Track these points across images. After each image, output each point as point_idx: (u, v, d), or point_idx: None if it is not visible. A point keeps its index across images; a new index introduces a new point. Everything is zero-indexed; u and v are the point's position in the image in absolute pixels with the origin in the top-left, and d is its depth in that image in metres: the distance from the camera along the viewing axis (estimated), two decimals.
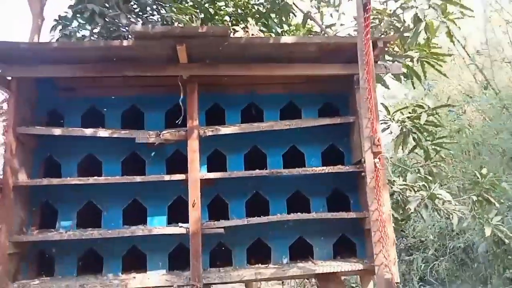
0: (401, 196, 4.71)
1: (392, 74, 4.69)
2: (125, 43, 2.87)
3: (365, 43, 2.16)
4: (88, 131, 3.03)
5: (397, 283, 2.11)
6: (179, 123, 3.08)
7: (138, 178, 3.02)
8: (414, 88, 5.12)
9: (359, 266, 2.93)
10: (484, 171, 5.31)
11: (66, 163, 3.21)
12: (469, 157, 12.67)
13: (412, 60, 4.73)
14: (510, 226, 8.56)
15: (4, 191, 2.83)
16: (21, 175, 3.00)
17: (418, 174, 5.10)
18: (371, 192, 2.05)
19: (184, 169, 3.08)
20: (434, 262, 13.88)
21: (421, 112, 4.88)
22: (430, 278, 13.67)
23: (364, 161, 2.09)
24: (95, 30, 4.65)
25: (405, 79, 4.85)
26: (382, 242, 1.99)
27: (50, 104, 3.32)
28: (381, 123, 4.74)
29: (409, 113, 5.12)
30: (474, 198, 4.91)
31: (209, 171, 3.24)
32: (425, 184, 4.66)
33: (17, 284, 2.81)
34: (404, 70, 4.39)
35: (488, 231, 4.97)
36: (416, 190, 4.75)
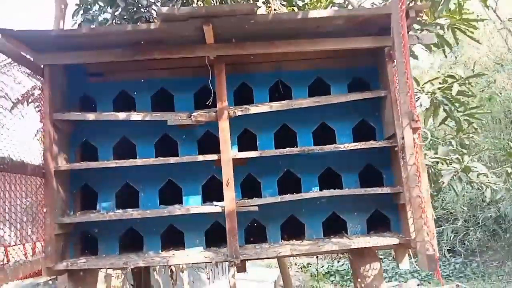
0: (432, 169, 4.64)
1: (422, 44, 4.54)
2: (152, 26, 2.87)
3: (401, 14, 2.08)
4: (121, 115, 3.10)
5: (438, 256, 2.10)
6: (210, 104, 3.10)
7: (172, 160, 3.08)
8: (446, 57, 4.94)
9: (394, 241, 2.94)
10: None
11: (102, 146, 3.30)
12: (500, 126, 12.26)
13: (442, 28, 4.54)
14: None
15: (46, 176, 2.95)
16: (60, 160, 3.11)
17: (450, 147, 4.99)
18: (411, 168, 2.02)
19: (215, 150, 3.12)
20: (464, 233, 13.72)
21: (453, 82, 4.73)
22: (460, 248, 13.56)
23: (403, 137, 2.05)
24: (116, 13, 4.66)
25: (436, 48, 4.67)
26: (424, 218, 1.98)
27: (81, 90, 3.39)
28: None
29: (439, 83, 4.97)
30: (509, 170, 4.79)
31: (240, 150, 3.27)
32: (458, 156, 4.56)
33: (66, 262, 2.97)
34: (435, 40, 4.22)
35: None
36: (448, 163, 4.66)
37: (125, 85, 3.36)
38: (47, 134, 2.98)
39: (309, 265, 15.42)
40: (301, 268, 15.14)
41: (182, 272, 6.01)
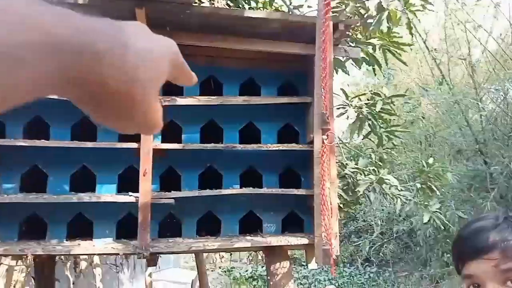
0: (352, 179, 4.91)
1: (353, 61, 4.81)
2: (80, 1, 2.72)
3: (324, 22, 2.18)
4: None
5: (337, 255, 2.21)
6: None
7: (89, 144, 2.92)
8: (375, 74, 5.27)
9: (304, 241, 3.04)
10: (430, 160, 5.63)
11: (12, 123, 3.03)
12: (420, 147, 13.36)
13: (374, 48, 4.85)
14: (452, 213, 9.16)
15: None
16: None
17: (369, 159, 5.32)
18: (317, 167, 2.11)
19: (137, 138, 3.02)
20: (379, 244, 14.66)
21: (378, 100, 5.06)
22: (374, 259, 14.46)
23: (313, 137, 2.14)
24: None
25: (368, 65, 4.98)
26: (323, 214, 2.07)
27: None
28: (339, 108, 4.87)
29: (367, 99, 5.29)
30: (418, 185, 5.20)
31: (163, 142, 3.19)
32: (375, 169, 4.87)
33: None
34: (366, 57, 4.50)
35: (426, 217, 5.31)
36: (366, 174, 4.96)
37: None
38: None
39: (233, 269, 15.47)
40: (225, 271, 15.14)
41: (94, 267, 5.70)
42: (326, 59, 2.17)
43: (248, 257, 15.38)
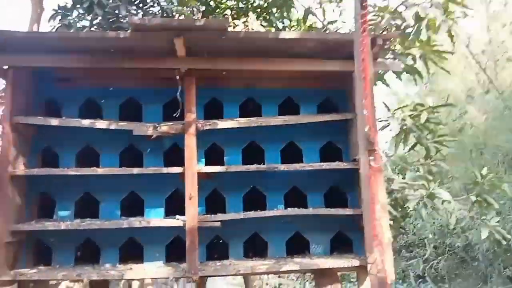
0: (400, 194, 4.71)
1: (393, 72, 4.69)
2: (121, 34, 2.86)
3: (362, 39, 2.15)
4: (86, 122, 3.04)
5: (392, 280, 2.10)
6: (177, 116, 3.08)
7: (136, 170, 3.03)
8: (416, 85, 5.10)
9: (355, 263, 2.94)
10: (484, 171, 5.30)
11: (64, 153, 3.22)
12: (471, 157, 12.65)
13: (414, 58, 4.71)
14: None
15: (1, 180, 2.84)
16: (19, 164, 3.01)
17: (418, 173, 5.10)
18: (365, 190, 2.04)
19: (181, 163, 3.09)
20: (433, 261, 13.89)
21: (422, 111, 4.87)
22: (428, 275, 13.70)
23: (359, 159, 2.08)
24: (95, 21, 4.65)
25: (410, 76, 4.82)
26: (377, 240, 1.99)
27: (47, 94, 3.32)
28: (382, 121, 4.74)
29: (410, 110, 5.11)
30: (473, 198, 4.89)
31: (207, 165, 3.25)
32: (425, 183, 4.65)
33: (15, 272, 2.83)
34: (406, 68, 4.37)
35: (484, 233, 4.97)
36: (415, 188, 4.75)
37: (93, 92, 3.30)
38: (5, 137, 2.88)
39: (281, 285, 15.22)
40: None
41: (146, 287, 5.83)
42: (366, 77, 2.12)
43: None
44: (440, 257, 13.49)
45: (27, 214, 3.12)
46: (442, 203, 4.61)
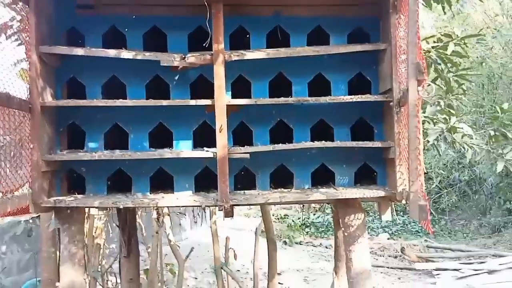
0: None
1: (423, 1, 4.43)
2: None
3: None
4: (112, 52, 2.95)
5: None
6: (207, 46, 2.98)
7: (164, 102, 3.00)
8: (445, 13, 4.83)
9: (380, 193, 3.02)
10: (505, 105, 5.24)
11: (90, 84, 3.17)
12: (482, 90, 12.44)
13: None
14: None
15: (33, 111, 2.84)
16: (47, 96, 2.98)
17: (438, 107, 5.05)
18: (413, 120, 2.02)
19: (208, 95, 3.05)
20: (436, 193, 14.34)
21: (448, 41, 4.69)
22: (431, 208, 14.25)
23: (407, 89, 2.03)
24: None
25: (437, 4, 4.58)
26: (419, 169, 2.02)
27: (69, 23, 3.19)
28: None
29: (434, 42, 4.92)
30: (492, 132, 4.91)
31: (233, 97, 3.21)
32: (446, 117, 4.63)
33: (53, 200, 2.94)
34: None
35: (500, 166, 5.04)
36: (435, 122, 4.74)
37: (116, 20, 3.16)
38: (33, 67, 2.82)
39: (286, 216, 15.96)
40: (278, 219, 15.67)
41: (166, 215, 6.11)
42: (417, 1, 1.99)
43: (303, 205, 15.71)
44: (444, 192, 13.92)
45: (58, 145, 3.17)
46: (462, 137, 4.64)
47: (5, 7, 4.09)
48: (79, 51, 2.95)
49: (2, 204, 2.46)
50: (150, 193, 3.22)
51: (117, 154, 3.00)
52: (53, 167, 3.04)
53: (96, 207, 3.53)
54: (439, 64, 4.75)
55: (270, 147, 3.09)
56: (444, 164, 12.99)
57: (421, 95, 2.00)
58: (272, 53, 3.10)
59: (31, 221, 7.18)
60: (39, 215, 5.45)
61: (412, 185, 2.02)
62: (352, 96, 3.08)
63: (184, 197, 3.09)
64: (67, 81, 3.22)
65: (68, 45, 3.11)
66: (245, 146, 3.14)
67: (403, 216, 14.30)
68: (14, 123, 2.90)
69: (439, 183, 13.60)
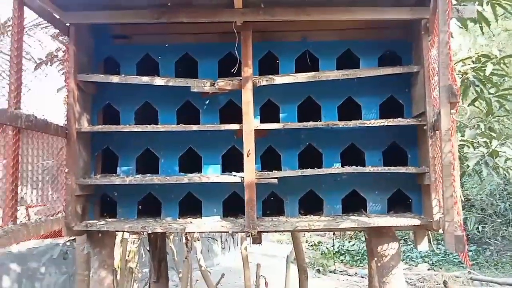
0: (458, 152, 4.50)
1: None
2: None
3: None
4: (145, 79, 3.05)
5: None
6: (235, 72, 3.02)
7: (194, 127, 3.04)
8: (483, 34, 4.67)
9: (415, 222, 2.87)
10: None
11: (124, 110, 3.28)
12: None
13: (481, 3, 4.30)
14: None
15: (69, 137, 2.96)
16: (83, 121, 3.11)
17: (478, 130, 4.83)
18: (446, 145, 1.92)
19: (236, 119, 3.07)
20: (480, 221, 13.49)
21: (486, 62, 4.52)
22: (472, 236, 13.42)
23: (439, 112, 1.94)
24: None
25: (475, 24, 4.44)
26: (454, 197, 1.90)
27: (106, 52, 3.35)
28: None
29: (472, 62, 4.75)
30: None
31: (261, 122, 3.21)
32: (486, 140, 4.41)
33: (85, 223, 3.01)
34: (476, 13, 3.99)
35: None
36: (475, 146, 4.52)
37: (149, 49, 3.29)
38: (71, 94, 2.96)
39: (320, 244, 15.53)
40: (312, 246, 15.27)
41: (195, 241, 6.10)
42: (449, 22, 1.93)
43: (335, 232, 15.28)
44: (488, 219, 13.10)
45: (92, 169, 3.27)
46: (505, 162, 4.38)
47: (54, 40, 4.38)
48: (114, 79, 3.07)
49: (35, 227, 2.54)
50: (179, 218, 3.23)
51: (147, 178, 3.05)
52: (87, 191, 3.13)
53: (126, 231, 3.57)
54: (477, 85, 4.57)
55: (299, 172, 3.03)
56: (490, 191, 12.27)
57: (454, 118, 1.90)
58: (301, 77, 3.09)
59: (68, 243, 7.39)
60: (75, 238, 5.60)
61: (447, 214, 1.89)
62: (384, 120, 2.99)
63: (211, 222, 3.07)
64: (103, 108, 3.35)
65: (104, 73, 3.25)
66: (273, 171, 3.10)
67: (444, 246, 13.53)
68: (56, 148, 3.03)
69: (482, 211, 12.84)
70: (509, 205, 12.34)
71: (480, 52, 4.87)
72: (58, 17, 2.93)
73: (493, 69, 4.43)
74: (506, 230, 13.31)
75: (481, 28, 4.68)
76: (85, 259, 4.82)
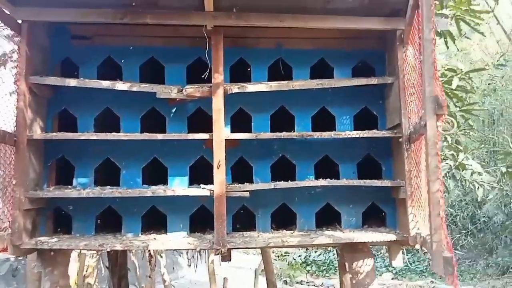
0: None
1: None
2: None
3: None
4: (105, 83, 2.81)
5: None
6: (205, 78, 2.84)
7: (159, 136, 2.83)
8: (448, 48, 4.76)
9: (391, 237, 2.78)
10: None
11: (82, 116, 3.01)
12: (483, 126, 12.33)
13: (447, 18, 4.39)
14: None
15: (18, 145, 2.66)
16: (35, 128, 2.81)
17: (445, 143, 4.89)
18: (433, 159, 1.84)
19: (205, 128, 2.89)
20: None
21: (452, 76, 4.61)
22: None
23: (425, 124, 1.86)
24: None
25: (440, 38, 4.51)
26: (442, 216, 1.81)
27: (64, 53, 3.07)
28: None
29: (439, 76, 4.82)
30: (503, 169, 4.71)
31: (232, 131, 3.04)
32: (454, 153, 4.46)
33: (35, 241, 2.70)
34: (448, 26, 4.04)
35: None
36: (443, 159, 4.56)
37: (112, 51, 3.05)
38: (21, 98, 2.67)
39: (287, 254, 15.43)
40: (278, 256, 15.14)
41: (161, 256, 5.79)
42: (433, 35, 1.86)
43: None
44: (447, 229, 13.51)
45: (45, 180, 2.96)
46: (471, 175, 4.44)
47: (9, 41, 4.03)
48: (71, 82, 2.80)
49: None
50: (142, 234, 2.98)
51: (107, 191, 2.79)
52: (38, 204, 2.82)
53: (81, 249, 3.27)
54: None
55: (272, 185, 2.88)
56: (450, 202, 12.67)
57: (440, 131, 1.83)
58: (274, 85, 2.96)
59: (20, 258, 6.83)
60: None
61: (435, 234, 1.80)
62: (358, 132, 2.91)
63: (177, 239, 2.85)
64: (59, 113, 3.06)
65: (61, 76, 2.97)
66: (245, 184, 2.93)
67: (407, 255, 13.78)
68: (3, 158, 2.72)
69: None
70: (467, 215, 12.80)
71: (446, 66, 4.97)
72: (8, 13, 2.64)
73: (458, 84, 4.51)
74: (465, 240, 13.77)
75: (446, 42, 4.78)
76: (37, 277, 4.41)
